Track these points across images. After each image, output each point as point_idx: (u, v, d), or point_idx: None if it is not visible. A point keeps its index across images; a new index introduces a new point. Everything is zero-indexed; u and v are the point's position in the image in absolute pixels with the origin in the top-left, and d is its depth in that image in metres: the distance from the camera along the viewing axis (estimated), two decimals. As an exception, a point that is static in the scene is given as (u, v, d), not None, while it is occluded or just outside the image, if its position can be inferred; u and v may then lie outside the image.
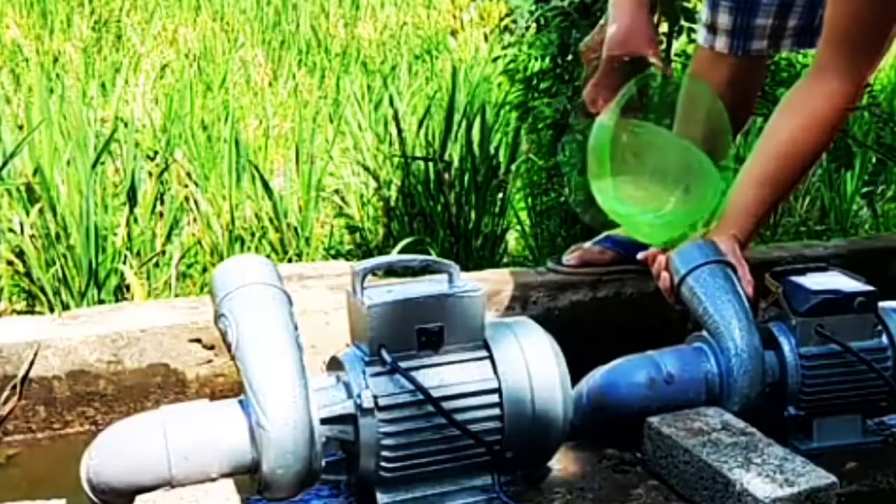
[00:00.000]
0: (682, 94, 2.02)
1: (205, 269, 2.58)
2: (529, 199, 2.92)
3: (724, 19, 2.04)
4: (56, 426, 1.76)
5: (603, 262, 2.07)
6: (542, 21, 2.89)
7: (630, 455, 1.52)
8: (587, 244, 2.11)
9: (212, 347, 1.82)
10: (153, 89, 4.26)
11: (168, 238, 2.55)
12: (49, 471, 1.65)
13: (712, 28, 2.07)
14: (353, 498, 1.43)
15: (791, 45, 2.08)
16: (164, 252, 2.51)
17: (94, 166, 2.48)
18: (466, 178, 2.76)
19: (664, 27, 2.71)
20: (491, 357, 1.39)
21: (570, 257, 2.10)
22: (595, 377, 1.59)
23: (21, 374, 1.73)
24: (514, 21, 3.11)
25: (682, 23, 2.75)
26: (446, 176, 2.72)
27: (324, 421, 1.31)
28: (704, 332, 1.60)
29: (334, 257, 2.76)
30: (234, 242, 2.64)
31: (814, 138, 1.77)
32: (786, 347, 1.59)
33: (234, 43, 5.40)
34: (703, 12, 2.11)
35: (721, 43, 2.06)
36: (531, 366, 1.39)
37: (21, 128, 2.82)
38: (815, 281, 1.63)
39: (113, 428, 1.32)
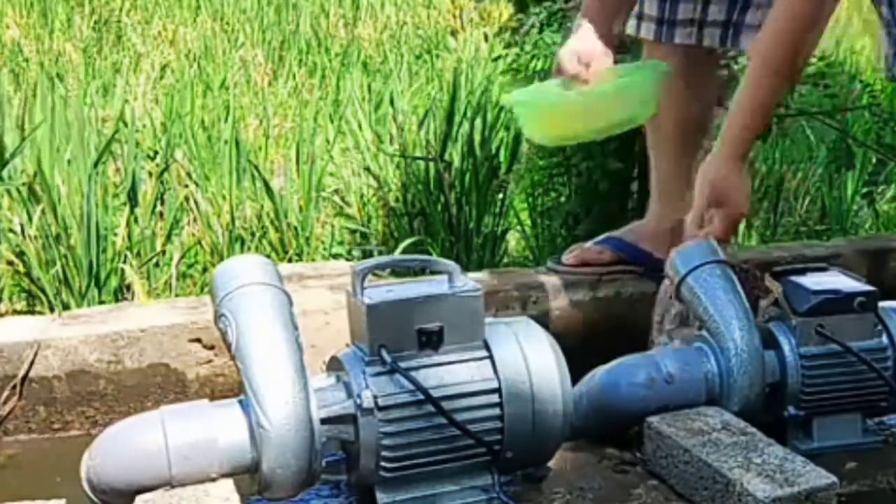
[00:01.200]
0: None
1: (205, 269, 2.57)
2: (530, 200, 2.91)
3: (650, 8, 2.05)
4: (56, 426, 1.76)
5: (602, 262, 2.07)
6: (546, 21, 2.89)
7: (630, 455, 1.52)
8: (587, 244, 2.12)
9: (212, 347, 1.82)
10: (153, 89, 4.26)
11: (168, 238, 2.55)
12: (49, 471, 1.65)
13: (641, 16, 2.07)
14: (353, 498, 1.43)
15: (717, 40, 2.04)
16: (164, 252, 2.51)
17: (94, 166, 2.47)
18: (467, 178, 2.75)
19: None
20: (491, 357, 1.39)
21: (569, 257, 2.10)
22: (595, 377, 1.59)
23: (21, 374, 1.73)
24: (520, 22, 3.10)
25: None
26: (447, 176, 2.72)
27: (324, 421, 1.31)
28: (704, 332, 1.60)
29: (334, 257, 2.76)
30: (234, 242, 2.64)
31: (810, 7, 1.72)
32: (786, 347, 1.59)
33: (234, 43, 5.39)
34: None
35: (647, 30, 2.06)
36: (531, 366, 1.39)
37: (22, 128, 2.82)
38: (815, 281, 1.62)
39: (113, 428, 1.32)
